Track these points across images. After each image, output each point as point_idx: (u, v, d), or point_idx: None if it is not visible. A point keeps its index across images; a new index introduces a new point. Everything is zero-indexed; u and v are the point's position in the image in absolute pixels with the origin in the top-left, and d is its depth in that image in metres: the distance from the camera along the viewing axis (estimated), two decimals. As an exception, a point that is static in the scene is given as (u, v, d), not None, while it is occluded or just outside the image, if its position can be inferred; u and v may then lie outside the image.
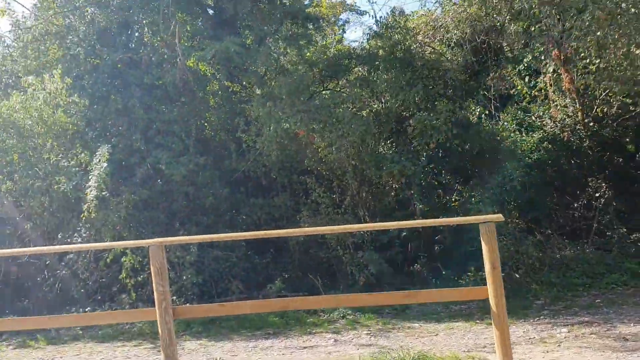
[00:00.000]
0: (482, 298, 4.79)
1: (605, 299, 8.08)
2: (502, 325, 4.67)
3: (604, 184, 10.97)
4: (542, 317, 7.40)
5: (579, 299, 8.23)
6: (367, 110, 10.77)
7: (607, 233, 10.62)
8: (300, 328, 7.87)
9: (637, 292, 8.31)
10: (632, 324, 6.58)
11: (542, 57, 12.44)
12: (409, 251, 10.43)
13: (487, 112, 12.75)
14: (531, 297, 8.48)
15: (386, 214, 10.34)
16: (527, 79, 13.36)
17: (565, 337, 6.28)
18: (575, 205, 11.16)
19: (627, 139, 11.55)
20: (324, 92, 11.21)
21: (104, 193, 9.19)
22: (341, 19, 15.69)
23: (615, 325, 6.56)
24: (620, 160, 11.72)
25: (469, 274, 9.51)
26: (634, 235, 10.47)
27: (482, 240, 4.63)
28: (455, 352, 6.03)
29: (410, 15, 13.35)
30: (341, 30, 15.88)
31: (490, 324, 7.28)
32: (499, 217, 4.77)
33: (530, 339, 6.40)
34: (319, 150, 9.93)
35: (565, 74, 11.71)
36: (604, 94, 11.27)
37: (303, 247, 10.17)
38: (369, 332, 7.48)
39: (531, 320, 7.25)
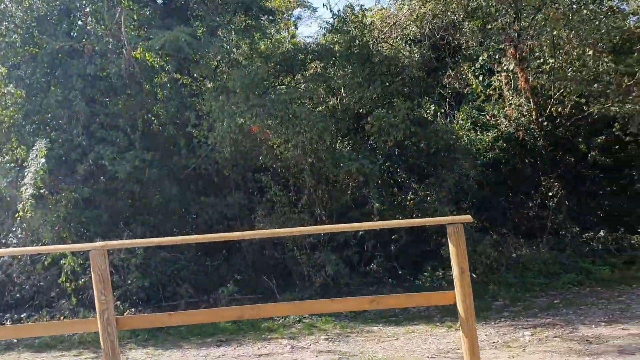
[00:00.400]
0: (450, 303, 4.54)
1: (563, 299, 8.04)
2: (471, 333, 4.42)
3: (556, 183, 11.05)
4: (503, 319, 7.26)
5: (537, 299, 8.17)
6: (324, 107, 10.45)
7: (561, 232, 10.69)
8: (254, 334, 7.48)
9: (593, 292, 8.32)
10: (593, 325, 6.51)
11: (497, 56, 12.45)
12: (365, 251, 10.18)
13: (442, 110, 12.68)
14: (489, 299, 8.37)
15: (343, 213, 10.06)
16: (481, 78, 13.36)
17: (529, 341, 6.13)
18: (530, 204, 11.21)
19: (580, 139, 11.67)
20: (279, 86, 10.82)
21: (41, 191, 8.55)
22: (293, 15, 15.32)
23: (577, 327, 6.47)
24: (572, 160, 11.84)
25: (426, 273, 9.39)
26: (586, 234, 10.57)
27: (449, 243, 4.38)
28: (419, 358, 5.79)
29: (367, 11, 13.10)
30: (294, 26, 15.50)
31: (451, 326, 7.16)
32: (467, 218, 4.53)
33: (494, 343, 6.23)
34: (275, 147, 9.55)
35: (521, 73, 11.74)
36: (557, 94, 11.34)
37: (257, 247, 9.77)
38: (327, 337, 7.17)
39: (492, 323, 7.10)
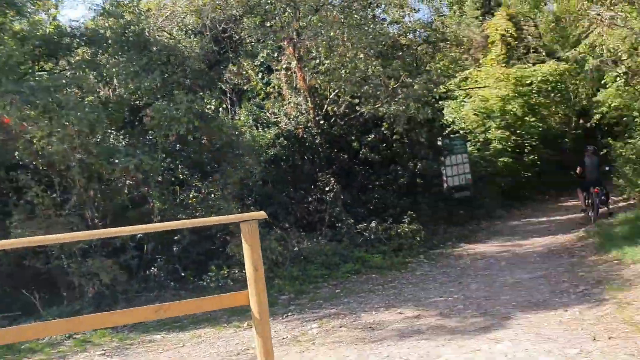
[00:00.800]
0: (244, 304, 4.29)
1: (344, 288, 8.39)
2: (264, 333, 4.21)
3: (332, 179, 11.59)
4: (290, 313, 7.28)
5: (320, 290, 8.40)
6: (95, 97, 9.43)
7: (338, 225, 11.24)
8: (12, 357, 6.35)
9: (370, 280, 8.85)
10: (373, 312, 6.85)
11: (277, 55, 12.66)
12: (145, 254, 9.45)
13: (224, 105, 12.47)
14: (275, 293, 8.35)
15: (119, 214, 9.20)
16: (261, 75, 13.47)
17: (317, 333, 6.20)
18: (310, 199, 11.58)
19: (353, 137, 12.44)
20: (39, 72, 9.47)
21: None
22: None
23: (359, 315, 6.74)
24: (346, 156, 12.56)
25: (210, 273, 9.05)
26: (360, 225, 11.27)
27: (243, 241, 4.10)
28: (208, 365, 5.45)
29: (141, -2, 12.23)
30: (54, 8, 13.81)
31: (239, 327, 6.95)
32: (261, 214, 4.32)
33: (283, 339, 6.17)
34: (35, 140, 8.29)
35: (299, 72, 12.08)
36: (333, 94, 11.92)
37: (14, 257, 8.39)
38: (104, 351, 6.41)
39: (280, 318, 7.06)
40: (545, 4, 26.54)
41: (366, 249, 10.43)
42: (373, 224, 11.14)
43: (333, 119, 12.19)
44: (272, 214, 11.00)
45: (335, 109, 11.92)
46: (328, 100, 12.07)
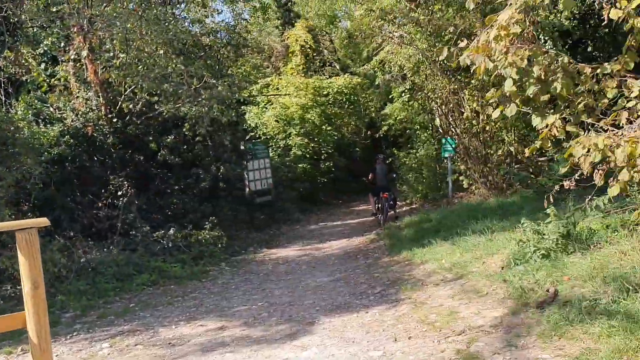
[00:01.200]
0: (20, 327, 3.55)
1: (138, 301, 7.69)
2: (46, 358, 3.56)
3: (126, 182, 10.69)
4: (75, 332, 6.39)
5: (111, 305, 7.58)
6: None
7: (132, 232, 10.38)
8: None
9: (168, 291, 8.26)
10: (173, 326, 6.31)
11: (64, 44, 11.37)
12: None
13: (-4, 97, 10.78)
14: (58, 311, 7.33)
15: None
16: (44, 65, 12.01)
17: (109, 354, 5.49)
18: (99, 204, 10.52)
19: (150, 137, 11.65)
20: None
21: None
22: None
23: (157, 331, 6.16)
24: (143, 158, 11.71)
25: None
26: (157, 232, 10.55)
27: (19, 253, 3.39)
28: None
29: None
30: None
31: (12, 352, 5.89)
32: (44, 221, 3.62)
33: (68, 364, 5.35)
34: None
35: (90, 65, 10.96)
36: (129, 90, 11.02)
37: None
38: None
39: (64, 340, 6.15)
40: (340, 21, 28.27)
41: (164, 257, 9.78)
42: (171, 230, 10.52)
43: (128, 117, 11.27)
44: (54, 221, 9.75)
45: (131, 106, 11.02)
46: (123, 96, 11.13)
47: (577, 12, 11.47)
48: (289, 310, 6.50)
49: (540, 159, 12.64)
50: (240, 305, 7.07)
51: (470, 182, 13.88)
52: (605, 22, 4.69)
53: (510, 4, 4.73)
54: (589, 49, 12.29)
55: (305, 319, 6.04)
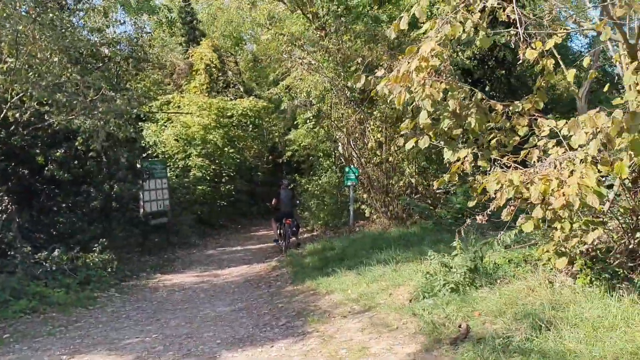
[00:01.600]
0: None
1: (14, 331, 6.86)
2: None
3: (7, 198, 9.71)
4: None
5: (-19, 336, 6.72)
6: None
7: (10, 252, 9.39)
8: None
9: (49, 319, 7.46)
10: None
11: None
12: None
13: None
14: None
15: None
16: None
17: (-25, 396, 4.79)
18: (-27, 221, 9.44)
19: (37, 150, 10.69)
20: None
21: None
22: None
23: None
24: (27, 172, 10.72)
25: None
26: (39, 254, 9.62)
27: None
28: None
29: None
30: None
31: None
32: None
33: None
34: None
35: (-29, 67, 9.91)
36: (16, 98, 10.07)
37: None
38: None
39: None
40: (246, 44, 28.11)
41: (46, 282, 8.90)
42: (56, 252, 9.60)
43: (14, 126, 10.29)
44: None
45: (17, 115, 10.06)
46: (9, 104, 10.14)
47: (477, 53, 12.09)
48: (187, 344, 6.05)
49: (438, 191, 13.09)
50: (132, 337, 6.50)
51: (372, 211, 14.05)
52: (520, 61, 4.85)
53: (430, 38, 4.78)
54: (487, 88, 12.98)
55: (206, 353, 5.64)
